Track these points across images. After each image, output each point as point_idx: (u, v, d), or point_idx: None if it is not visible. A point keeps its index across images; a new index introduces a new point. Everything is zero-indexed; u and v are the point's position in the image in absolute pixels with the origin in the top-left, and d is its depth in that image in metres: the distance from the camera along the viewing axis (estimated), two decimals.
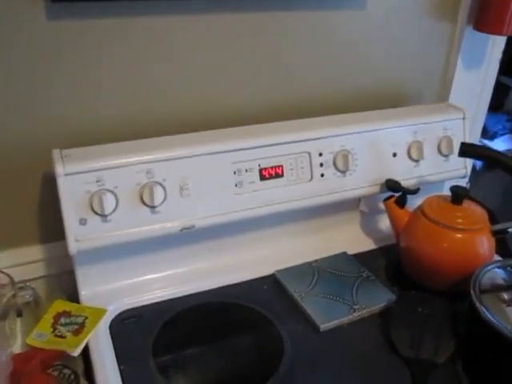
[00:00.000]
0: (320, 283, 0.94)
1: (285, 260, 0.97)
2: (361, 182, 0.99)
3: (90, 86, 0.86)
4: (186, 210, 0.86)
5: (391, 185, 1.00)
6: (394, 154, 1.01)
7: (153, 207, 0.84)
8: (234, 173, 0.89)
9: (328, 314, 0.85)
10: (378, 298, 0.89)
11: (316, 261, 1.00)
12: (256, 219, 0.93)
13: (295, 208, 0.95)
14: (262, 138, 0.91)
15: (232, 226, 0.90)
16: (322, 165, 0.95)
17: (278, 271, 0.97)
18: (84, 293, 0.86)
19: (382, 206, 1.00)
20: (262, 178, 0.91)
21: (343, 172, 0.96)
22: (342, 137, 0.94)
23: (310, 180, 0.95)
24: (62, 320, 0.82)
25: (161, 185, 0.84)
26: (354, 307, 0.87)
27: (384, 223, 1.04)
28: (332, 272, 0.97)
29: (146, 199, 0.83)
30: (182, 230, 0.87)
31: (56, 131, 0.87)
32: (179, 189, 0.85)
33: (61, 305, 0.84)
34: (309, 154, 0.94)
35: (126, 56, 0.86)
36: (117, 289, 0.88)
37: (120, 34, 0.84)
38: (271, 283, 0.94)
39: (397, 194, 0.96)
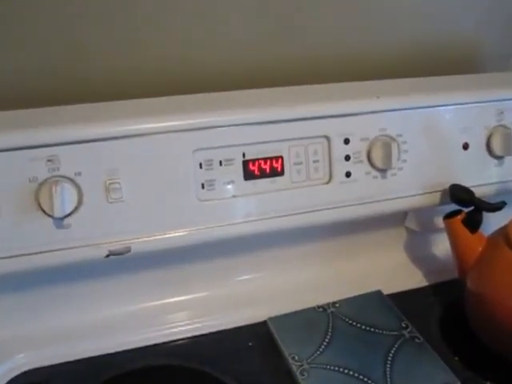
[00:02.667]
0: (335, 345, 0.61)
1: (284, 301, 0.66)
2: (410, 187, 0.64)
3: None
4: (116, 223, 0.53)
5: (458, 194, 0.65)
6: (465, 146, 0.65)
7: (58, 218, 0.50)
8: (200, 166, 0.54)
9: None
10: (428, 380, 0.56)
11: (333, 304, 0.66)
12: (236, 240, 0.58)
13: (301, 225, 0.59)
14: (248, 109, 0.55)
15: (197, 250, 0.57)
16: (348, 158, 0.59)
17: (273, 319, 0.64)
18: None
19: (440, 223, 0.67)
20: (248, 175, 0.57)
21: (383, 171, 0.61)
22: (382, 115, 0.61)
23: (329, 182, 0.60)
24: None
25: (72, 181, 0.51)
26: None
27: (442, 249, 0.74)
28: (356, 325, 0.64)
29: (46, 205, 0.50)
30: (109, 255, 0.53)
31: None
32: (104, 189, 0.52)
33: None
34: (327, 139, 0.58)
35: None
36: (9, 338, 0.58)
37: None
38: (259, 338, 0.63)
39: (466, 210, 0.65)
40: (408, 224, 0.74)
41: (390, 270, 0.72)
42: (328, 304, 0.67)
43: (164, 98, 0.59)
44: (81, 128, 0.52)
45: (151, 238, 0.55)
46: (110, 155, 0.52)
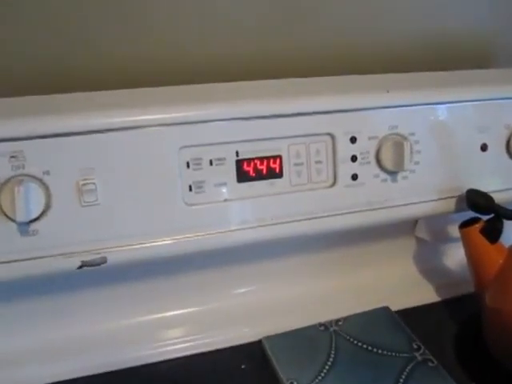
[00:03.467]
0: (338, 368, 0.54)
1: (281, 318, 0.60)
2: (423, 191, 0.57)
3: None
4: (90, 230, 0.46)
5: (476, 200, 0.59)
6: (484, 147, 0.59)
7: (22, 224, 0.44)
8: (187, 165, 0.48)
9: None
10: None
11: (336, 322, 0.59)
12: (229, 250, 0.51)
13: (302, 233, 0.53)
14: (242, 102, 0.49)
15: (185, 261, 0.50)
16: (354, 158, 0.53)
17: (269, 338, 0.57)
18: None
19: (453, 232, 0.63)
20: (242, 177, 0.50)
21: (393, 173, 0.55)
22: (392, 111, 0.55)
23: (333, 185, 0.53)
24: None
25: (39, 181, 0.44)
26: None
27: (455, 261, 0.68)
28: (361, 346, 0.57)
29: (8, 208, 0.43)
30: (81, 266, 0.46)
31: None
32: (76, 191, 0.45)
33: None
34: (331, 137, 0.52)
35: None
36: None
37: None
38: (254, 359, 0.56)
39: (485, 218, 0.58)
40: (418, 233, 0.68)
41: (399, 284, 0.66)
42: (330, 321, 0.60)
43: (149, 89, 0.53)
44: (50, 120, 0.45)
45: (130, 248, 0.48)
46: (84, 152, 0.46)
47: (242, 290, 0.61)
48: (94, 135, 0.46)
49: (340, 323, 0.60)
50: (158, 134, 0.47)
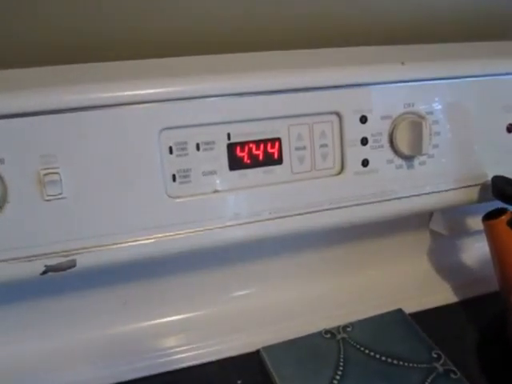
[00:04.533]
0: (348, 383, 0.45)
1: (281, 324, 0.53)
2: (442, 179, 0.51)
3: None
4: (55, 229, 0.39)
5: (503, 188, 0.52)
6: (510, 128, 0.51)
7: None
8: (170, 151, 0.40)
9: None
10: None
11: (344, 329, 0.52)
12: (220, 250, 0.44)
13: (304, 229, 0.45)
14: (236, 76, 0.41)
15: (167, 263, 0.42)
16: (365, 141, 0.45)
17: (268, 348, 0.51)
18: None
19: (473, 225, 0.58)
20: (235, 164, 0.43)
21: (409, 158, 0.48)
22: (408, 86, 0.48)
23: (340, 172, 0.45)
24: None
25: None
26: None
27: (475, 257, 0.62)
28: (374, 356, 0.51)
29: None
30: (46, 272, 0.39)
31: None
32: (37, 182, 0.38)
33: None
34: (339, 116, 0.44)
35: None
36: None
37: None
38: (251, 373, 0.49)
39: None
40: (433, 226, 0.61)
41: (413, 284, 0.59)
42: (338, 328, 0.53)
43: (124, 63, 0.45)
44: (3, 98, 0.37)
45: (103, 249, 0.40)
46: (46, 136, 0.38)
47: (236, 294, 0.54)
48: (58, 115, 0.38)
49: (348, 330, 0.53)
50: (135, 114, 0.40)
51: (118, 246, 0.41)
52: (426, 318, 0.56)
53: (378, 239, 0.59)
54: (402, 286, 0.58)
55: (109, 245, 0.40)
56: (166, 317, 0.52)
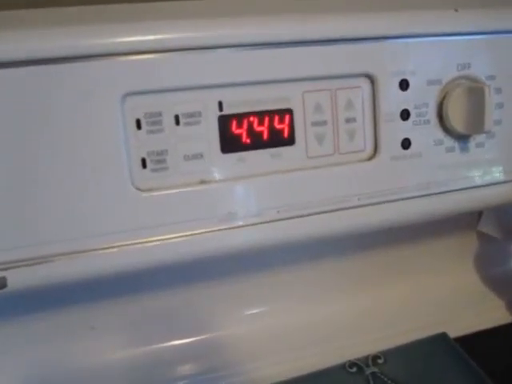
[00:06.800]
0: None
1: (295, 354, 0.43)
2: (501, 166, 0.37)
3: None
4: None
5: None
6: None
7: None
8: (138, 125, 0.28)
9: None
10: None
11: (374, 360, 0.41)
12: (211, 261, 0.32)
13: (324, 233, 0.33)
14: (228, 21, 0.29)
15: (140, 278, 0.31)
16: (406, 115, 0.33)
17: None
18: None
19: None
20: (229, 144, 0.31)
21: (464, 138, 0.35)
22: (463, 40, 0.36)
23: (372, 157, 0.34)
24: None
25: None
26: None
27: None
28: None
29: None
30: None
31: None
32: None
33: None
34: (370, 79, 0.32)
35: None
36: None
37: None
38: None
39: None
40: (482, 227, 0.49)
41: (459, 300, 0.47)
42: (366, 359, 0.42)
43: (86, 8, 0.33)
44: None
45: (46, 263, 0.29)
46: None
47: (239, 316, 0.42)
48: None
49: (379, 361, 0.41)
50: (86, 73, 0.28)
51: (68, 258, 0.29)
52: (476, 344, 0.45)
53: (414, 244, 0.47)
54: (445, 302, 0.47)
55: (52, 258, 0.29)
56: (147, 345, 0.41)
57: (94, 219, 0.29)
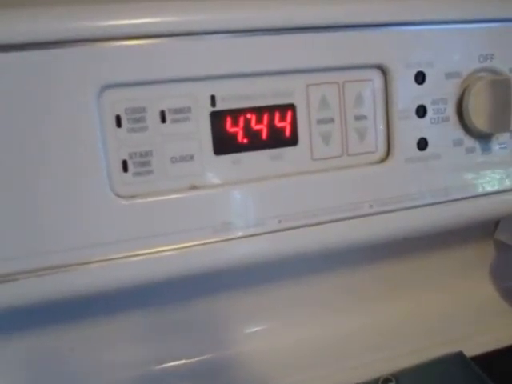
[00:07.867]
0: None
1: (297, 376, 0.39)
2: None
3: None
4: None
5: None
6: None
7: None
8: (118, 122, 0.24)
9: None
10: None
11: (385, 382, 0.35)
12: (202, 275, 0.28)
13: (331, 245, 0.29)
14: (221, 4, 0.25)
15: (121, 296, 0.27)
16: (422, 111, 0.29)
17: None
18: None
19: None
20: (223, 143, 0.26)
21: (486, 138, 0.31)
22: (485, 28, 0.32)
23: (386, 158, 0.30)
24: None
25: None
26: None
27: None
28: None
29: None
30: None
31: None
32: None
33: None
34: (382, 71, 0.28)
35: None
36: None
37: None
38: None
39: None
40: (500, 236, 0.45)
41: (475, 314, 0.43)
42: (377, 381, 0.37)
43: None
44: None
45: (11, 282, 0.25)
46: None
47: (236, 336, 0.38)
48: None
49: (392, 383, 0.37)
50: (57, 62, 0.24)
51: (37, 277, 0.25)
52: (496, 363, 0.40)
53: (426, 255, 0.43)
54: (461, 317, 0.43)
55: (18, 275, 0.25)
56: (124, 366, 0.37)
57: (68, 231, 0.25)
